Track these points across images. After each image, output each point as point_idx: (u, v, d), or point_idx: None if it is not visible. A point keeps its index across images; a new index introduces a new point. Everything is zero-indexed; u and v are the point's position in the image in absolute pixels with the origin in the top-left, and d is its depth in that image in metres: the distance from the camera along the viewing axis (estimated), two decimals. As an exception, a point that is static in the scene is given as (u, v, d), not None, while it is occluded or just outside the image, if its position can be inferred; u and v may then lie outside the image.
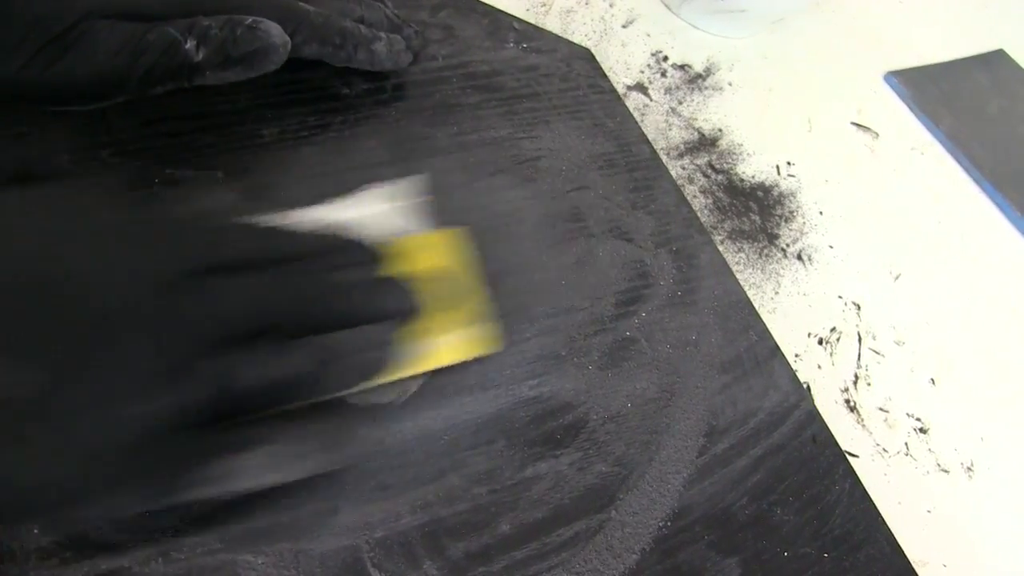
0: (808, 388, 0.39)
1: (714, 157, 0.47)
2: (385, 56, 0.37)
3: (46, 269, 0.20)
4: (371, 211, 0.29)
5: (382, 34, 0.37)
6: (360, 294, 0.25)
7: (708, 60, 0.52)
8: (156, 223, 0.23)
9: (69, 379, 0.19)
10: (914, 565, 0.33)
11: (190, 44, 0.30)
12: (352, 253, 0.26)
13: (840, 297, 0.43)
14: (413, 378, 0.31)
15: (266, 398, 0.22)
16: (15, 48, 0.28)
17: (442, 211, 0.37)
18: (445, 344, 0.27)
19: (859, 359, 0.41)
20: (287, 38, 0.33)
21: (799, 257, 0.44)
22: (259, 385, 0.22)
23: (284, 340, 0.22)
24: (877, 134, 0.52)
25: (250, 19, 0.31)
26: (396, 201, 0.29)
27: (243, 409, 0.22)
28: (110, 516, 0.21)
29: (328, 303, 0.24)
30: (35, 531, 0.25)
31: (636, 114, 0.46)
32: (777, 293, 0.42)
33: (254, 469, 0.22)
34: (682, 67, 0.51)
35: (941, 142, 0.54)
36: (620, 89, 0.47)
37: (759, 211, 0.45)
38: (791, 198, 0.46)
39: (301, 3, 0.34)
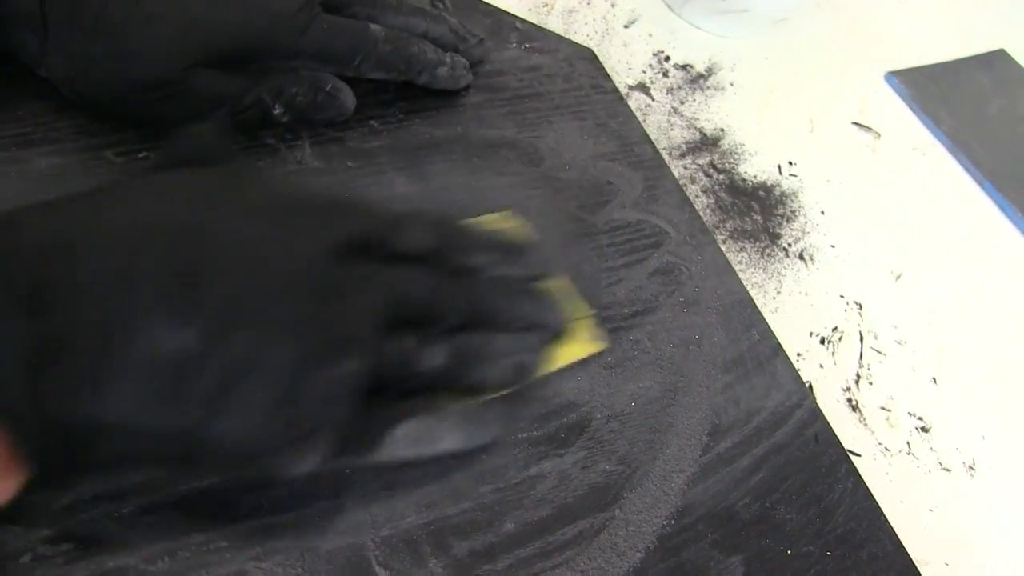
0: (810, 387, 0.39)
1: (716, 157, 0.47)
2: (445, 79, 0.39)
3: (211, 233, 0.20)
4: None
5: (447, 57, 0.38)
6: (524, 300, 0.26)
7: (710, 60, 0.52)
8: (320, 199, 0.23)
9: (231, 338, 0.19)
10: (916, 564, 0.33)
11: (278, 110, 0.33)
12: (518, 258, 0.26)
13: (842, 296, 0.43)
14: None
15: (427, 382, 0.23)
16: (120, 80, 0.30)
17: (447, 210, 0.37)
18: (565, 349, 0.28)
19: (861, 358, 0.41)
20: (355, 101, 0.35)
21: (801, 257, 0.44)
22: (428, 370, 0.23)
23: (451, 331, 0.23)
24: (878, 134, 0.53)
25: (329, 85, 0.34)
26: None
27: (405, 388, 0.23)
28: (289, 473, 0.21)
29: (495, 302, 0.25)
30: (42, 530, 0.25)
31: (638, 114, 0.46)
32: (779, 293, 0.42)
33: (402, 441, 0.22)
34: (684, 67, 0.51)
35: (942, 142, 0.54)
36: (622, 89, 0.47)
37: (761, 211, 0.45)
38: (793, 198, 0.46)
39: (373, 26, 0.35)
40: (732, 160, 0.47)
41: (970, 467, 0.39)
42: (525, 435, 0.31)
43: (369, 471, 0.28)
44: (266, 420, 0.19)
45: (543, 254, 0.32)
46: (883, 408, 0.40)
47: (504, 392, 0.25)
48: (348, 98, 0.35)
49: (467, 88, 0.41)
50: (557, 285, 0.29)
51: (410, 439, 0.22)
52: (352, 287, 0.21)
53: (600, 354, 0.34)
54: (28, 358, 0.17)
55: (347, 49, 0.34)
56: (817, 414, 0.36)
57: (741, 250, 0.43)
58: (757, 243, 0.43)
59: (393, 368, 0.22)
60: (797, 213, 0.46)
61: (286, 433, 0.20)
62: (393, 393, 0.22)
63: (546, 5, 0.51)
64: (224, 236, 0.20)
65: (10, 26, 0.30)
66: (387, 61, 0.36)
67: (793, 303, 0.42)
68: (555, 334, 0.27)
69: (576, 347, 0.29)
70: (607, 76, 0.46)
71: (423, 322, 0.23)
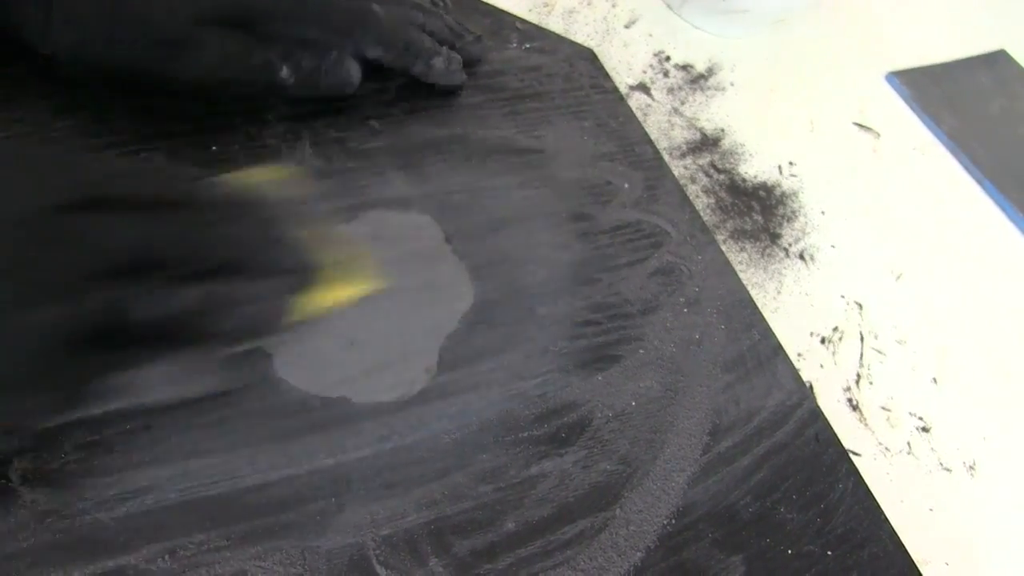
0: (811, 387, 0.39)
1: (716, 157, 0.47)
2: (441, 72, 0.39)
3: None
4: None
5: (444, 50, 0.39)
6: (254, 248, 0.26)
7: (710, 60, 0.52)
8: (56, 154, 0.24)
9: None
10: (917, 563, 0.33)
11: (285, 72, 0.33)
12: (252, 209, 0.27)
13: (842, 296, 0.43)
14: (419, 375, 0.31)
15: (155, 330, 0.23)
16: (121, 49, 0.31)
17: (446, 210, 0.37)
18: (332, 296, 0.29)
19: (861, 358, 0.41)
20: (360, 75, 0.36)
21: (801, 257, 0.44)
22: (147, 318, 0.23)
23: (173, 280, 0.23)
24: (879, 134, 0.53)
25: (335, 53, 0.35)
26: None
27: (134, 336, 0.23)
28: (16, 420, 0.22)
29: (219, 252, 0.25)
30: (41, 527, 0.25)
31: (639, 114, 0.46)
32: (780, 292, 0.42)
33: (152, 384, 0.23)
34: (684, 67, 0.51)
35: (943, 142, 0.54)
36: (623, 89, 0.47)
37: (761, 211, 0.45)
38: (793, 198, 0.46)
39: (375, 6, 0.36)
40: (732, 160, 0.47)
41: (970, 467, 0.39)
42: (526, 434, 0.31)
43: (370, 469, 0.29)
44: None
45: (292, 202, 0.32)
46: (883, 408, 0.40)
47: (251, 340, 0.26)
48: (354, 69, 0.35)
49: (462, 88, 0.41)
50: (326, 232, 0.30)
51: (120, 389, 0.23)
52: (62, 238, 0.22)
53: (603, 354, 0.34)
54: None
55: (349, 20, 0.35)
56: (817, 414, 0.36)
57: (741, 250, 0.43)
58: (757, 243, 0.43)
59: (109, 317, 0.22)
60: (797, 213, 0.46)
61: None
62: (108, 343, 0.23)
63: (546, 5, 0.51)
64: None
65: (12, 1, 0.30)
66: (386, 39, 0.36)
67: (793, 303, 0.42)
68: (302, 278, 0.27)
69: (347, 287, 0.30)
70: (607, 76, 0.46)
71: (152, 270, 0.23)
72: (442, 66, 0.39)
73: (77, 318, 0.21)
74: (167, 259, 0.23)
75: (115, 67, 0.31)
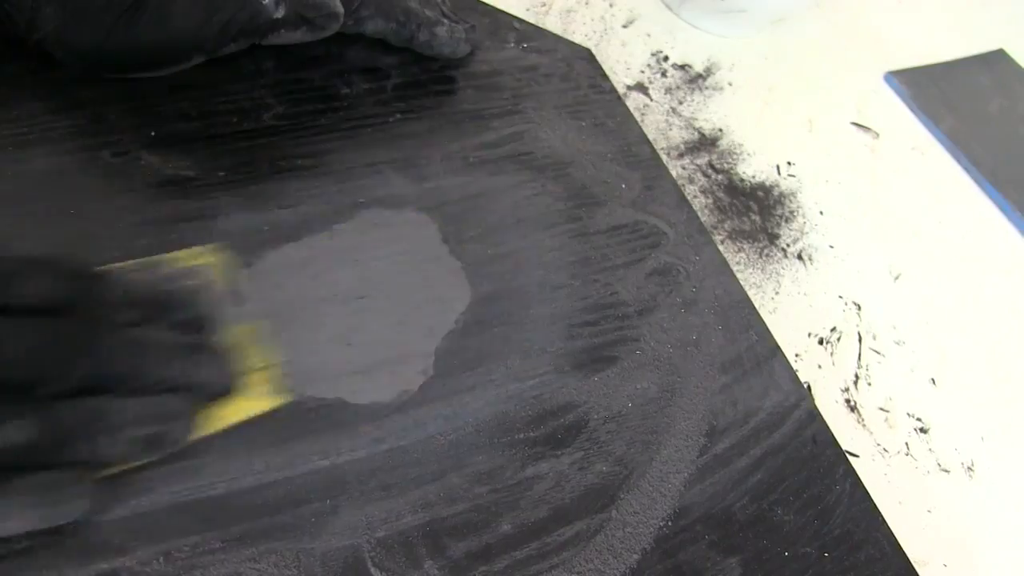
0: (808, 388, 0.39)
1: (714, 157, 0.47)
2: (445, 41, 0.38)
3: None
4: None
5: (444, 20, 0.38)
6: (172, 358, 0.23)
7: (708, 60, 0.52)
8: None
9: None
10: (914, 565, 0.33)
11: (269, 2, 0.31)
12: (167, 309, 0.24)
13: (840, 297, 0.43)
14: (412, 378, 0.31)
15: (10, 459, 0.20)
16: (97, 16, 0.29)
17: (442, 212, 0.37)
18: (233, 412, 0.27)
19: (859, 359, 0.41)
20: (342, 9, 0.34)
21: (799, 257, 0.44)
22: (19, 443, 0.20)
23: (55, 398, 0.20)
24: (877, 134, 0.52)
25: None
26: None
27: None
28: None
29: (130, 362, 0.22)
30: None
31: (636, 114, 0.46)
32: (777, 293, 0.42)
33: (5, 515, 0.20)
34: (682, 67, 0.51)
35: (941, 142, 0.54)
36: (620, 89, 0.47)
37: (759, 211, 0.45)
38: (791, 198, 0.46)
39: None
40: (731, 160, 0.47)
41: (969, 468, 0.39)
42: (522, 436, 0.31)
43: (365, 471, 0.28)
44: None
45: (229, 298, 0.28)
46: (882, 409, 0.39)
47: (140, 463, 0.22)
48: (335, 1, 0.34)
49: (471, 54, 0.40)
50: (238, 334, 0.26)
51: None
52: None
53: (599, 355, 0.34)
54: None
55: None
56: (815, 415, 0.36)
57: (739, 250, 0.43)
58: (755, 243, 0.43)
59: None
60: (796, 213, 0.46)
61: None
62: None
63: (544, 5, 0.50)
64: None
65: None
66: (386, 9, 0.35)
67: (791, 303, 0.42)
68: (213, 394, 0.24)
69: (248, 403, 0.27)
70: (605, 76, 0.46)
71: (23, 386, 0.20)
72: (446, 35, 0.38)
73: None
74: (53, 372, 0.20)
75: (96, 46, 0.31)
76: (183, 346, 0.24)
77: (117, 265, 0.27)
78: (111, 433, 0.21)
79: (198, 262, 0.29)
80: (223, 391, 0.25)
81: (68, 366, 0.21)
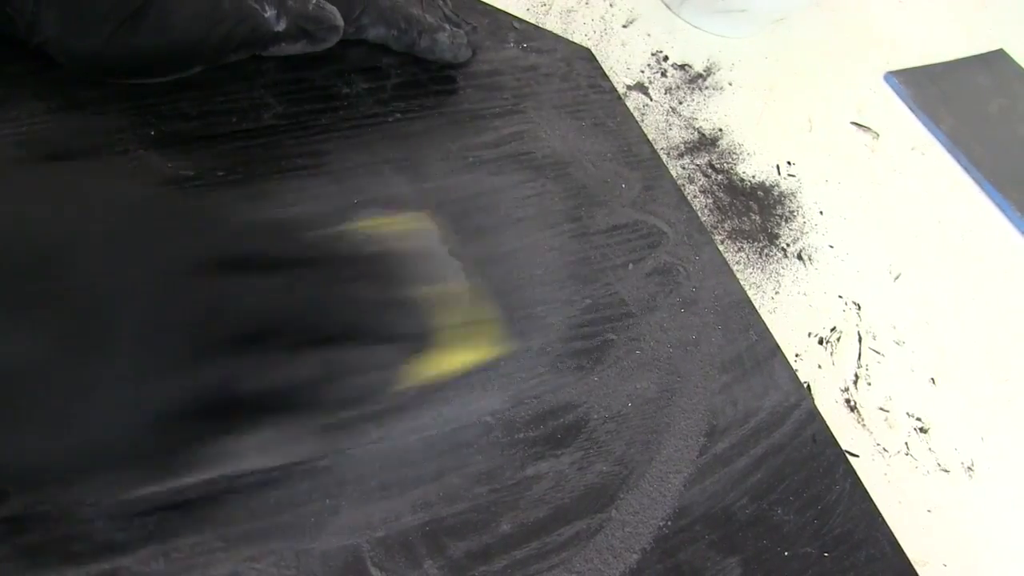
0: (808, 388, 0.39)
1: (714, 157, 0.47)
2: (447, 47, 0.38)
3: (59, 242, 0.20)
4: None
5: (446, 25, 0.38)
6: (373, 312, 0.25)
7: (708, 60, 0.52)
8: (169, 213, 0.23)
9: (70, 356, 0.19)
10: (914, 565, 0.33)
11: (270, 13, 0.32)
12: (369, 268, 0.26)
13: (840, 297, 0.43)
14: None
15: (268, 400, 0.22)
16: (98, 24, 0.29)
17: (442, 210, 0.37)
18: (451, 360, 0.28)
19: (859, 359, 0.41)
20: (342, 22, 0.34)
21: (799, 257, 0.44)
22: (259, 389, 0.22)
23: (290, 348, 0.22)
24: (877, 134, 0.52)
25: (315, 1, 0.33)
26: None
27: (242, 406, 0.22)
28: (108, 496, 0.21)
29: (339, 316, 0.24)
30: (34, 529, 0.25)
31: (636, 114, 0.46)
32: (777, 293, 0.42)
33: (246, 452, 0.22)
34: (682, 67, 0.51)
35: (941, 142, 0.54)
36: (620, 89, 0.47)
37: (759, 211, 0.45)
38: (791, 198, 0.46)
39: None
40: (730, 160, 0.47)
41: (969, 468, 0.39)
42: (521, 435, 0.31)
43: (365, 470, 0.28)
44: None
45: (434, 261, 0.30)
46: (881, 409, 0.39)
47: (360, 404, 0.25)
48: (338, 13, 0.34)
49: (471, 58, 0.41)
50: (451, 291, 0.28)
51: (247, 452, 0.22)
52: (193, 304, 0.21)
53: (599, 355, 0.34)
54: None
55: (346, 1, 0.34)
56: (815, 415, 0.36)
57: (739, 250, 0.43)
58: (755, 243, 0.43)
59: (221, 390, 0.22)
60: (795, 213, 0.46)
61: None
62: (215, 415, 0.22)
63: (544, 5, 0.50)
64: (86, 239, 0.21)
65: None
66: (387, 16, 0.36)
67: (791, 303, 0.42)
68: (419, 345, 0.26)
69: (464, 353, 0.29)
70: (605, 76, 0.46)
71: (261, 338, 0.22)
72: (447, 40, 0.38)
73: (190, 393, 0.21)
74: (288, 325, 0.23)
75: (97, 51, 0.31)
76: (390, 300, 0.26)
77: (340, 228, 0.29)
78: (341, 380, 0.24)
79: (412, 226, 0.31)
80: (428, 340, 0.27)
81: (309, 320, 0.23)
